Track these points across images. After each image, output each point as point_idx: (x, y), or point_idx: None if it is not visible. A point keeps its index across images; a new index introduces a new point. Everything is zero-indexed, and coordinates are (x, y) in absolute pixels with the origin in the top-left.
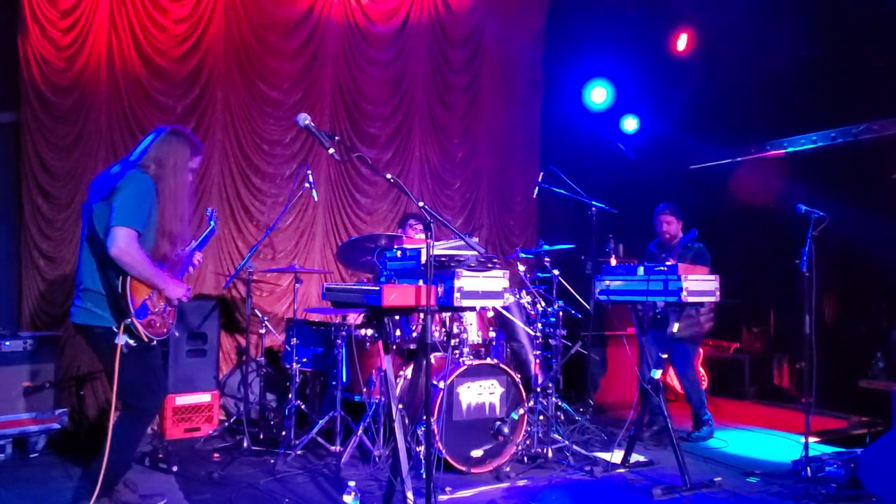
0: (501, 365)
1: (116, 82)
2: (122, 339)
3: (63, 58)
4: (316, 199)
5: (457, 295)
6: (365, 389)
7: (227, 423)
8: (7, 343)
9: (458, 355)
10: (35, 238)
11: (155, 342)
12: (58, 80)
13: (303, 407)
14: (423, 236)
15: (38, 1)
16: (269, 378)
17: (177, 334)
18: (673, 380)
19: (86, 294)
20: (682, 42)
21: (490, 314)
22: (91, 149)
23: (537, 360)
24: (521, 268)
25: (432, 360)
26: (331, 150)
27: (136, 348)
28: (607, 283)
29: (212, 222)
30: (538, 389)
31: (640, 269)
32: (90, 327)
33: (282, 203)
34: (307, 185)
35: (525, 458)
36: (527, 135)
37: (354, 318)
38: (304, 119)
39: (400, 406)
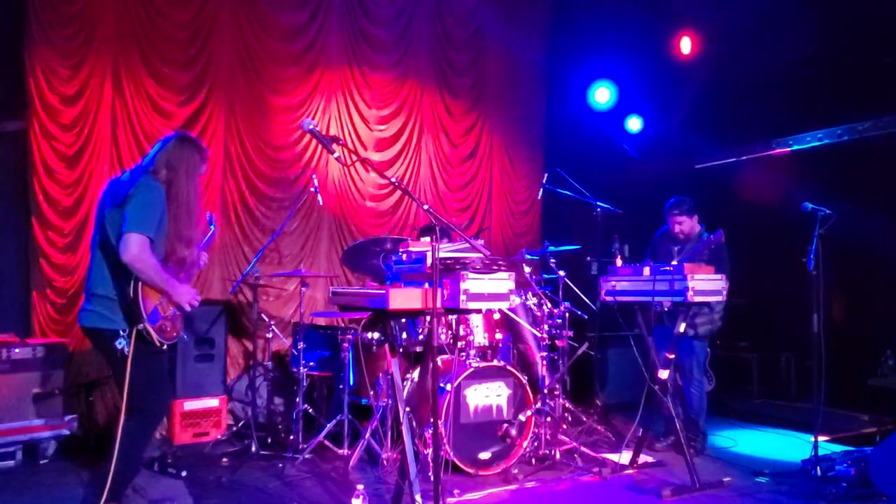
0: (508, 367)
1: (121, 89)
2: (122, 343)
3: (68, 66)
4: (321, 202)
5: (463, 297)
6: (372, 392)
7: (235, 428)
8: (16, 350)
9: (464, 358)
10: (43, 246)
11: (165, 346)
12: (63, 88)
13: (310, 411)
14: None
15: (42, 9)
16: (276, 382)
17: (185, 338)
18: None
19: (95, 298)
20: (686, 46)
21: (496, 316)
22: (97, 156)
23: (544, 362)
24: (527, 269)
25: (439, 363)
26: (335, 154)
27: (144, 353)
28: (613, 283)
29: (211, 226)
30: (545, 391)
31: (646, 270)
32: (99, 330)
33: (287, 207)
34: (312, 189)
35: (533, 460)
36: (531, 136)
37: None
38: (309, 123)
39: (407, 409)
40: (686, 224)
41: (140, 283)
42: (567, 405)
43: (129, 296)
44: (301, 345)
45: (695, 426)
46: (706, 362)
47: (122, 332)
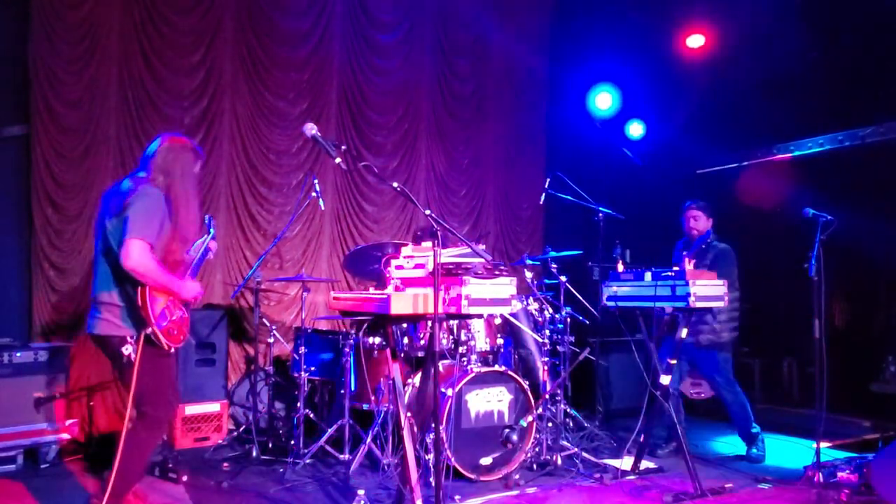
0: (509, 372)
1: (124, 94)
2: (129, 350)
3: (72, 70)
4: (323, 208)
5: (464, 302)
6: (373, 398)
7: (236, 433)
8: (18, 354)
9: (465, 363)
10: (45, 249)
11: (173, 350)
12: (67, 93)
13: (311, 416)
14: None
15: (47, 13)
16: (277, 387)
17: (192, 341)
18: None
19: (102, 306)
20: (695, 41)
21: (498, 321)
22: (100, 160)
23: (545, 367)
24: (529, 274)
25: (440, 368)
26: (337, 160)
27: (152, 357)
28: (615, 288)
29: (211, 230)
30: (547, 396)
31: (648, 275)
32: (108, 337)
33: (289, 212)
34: (314, 194)
35: (534, 466)
36: (532, 141)
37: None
38: (311, 129)
39: (408, 414)
40: (701, 221)
41: (146, 288)
42: (568, 410)
43: (138, 302)
44: (302, 349)
45: (746, 435)
46: (729, 369)
47: (129, 339)
